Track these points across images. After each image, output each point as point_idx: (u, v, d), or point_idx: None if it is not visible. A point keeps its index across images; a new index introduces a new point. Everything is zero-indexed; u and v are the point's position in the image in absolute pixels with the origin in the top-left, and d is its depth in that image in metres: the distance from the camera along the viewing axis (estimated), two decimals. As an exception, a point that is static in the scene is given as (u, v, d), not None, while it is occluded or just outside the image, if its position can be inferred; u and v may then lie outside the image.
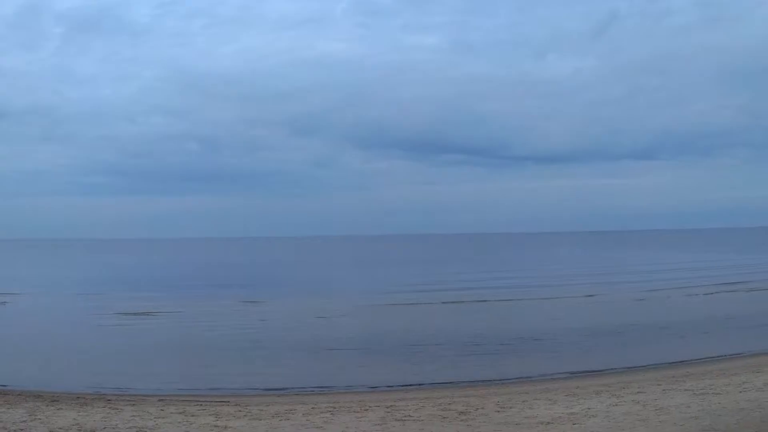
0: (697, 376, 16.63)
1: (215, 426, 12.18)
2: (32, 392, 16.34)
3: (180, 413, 13.36)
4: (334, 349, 24.76)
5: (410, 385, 18.90)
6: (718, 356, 20.65)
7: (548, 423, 12.14)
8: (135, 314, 35.37)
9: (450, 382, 19.02)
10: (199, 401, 15.41)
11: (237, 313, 37.04)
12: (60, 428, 11.60)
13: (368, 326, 30.91)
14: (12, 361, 22.37)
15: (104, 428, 11.73)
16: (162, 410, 13.72)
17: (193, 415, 13.15)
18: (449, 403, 14.73)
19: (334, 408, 14.12)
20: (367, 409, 14.12)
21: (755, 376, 15.37)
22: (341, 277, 67.75)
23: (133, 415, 12.95)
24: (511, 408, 13.90)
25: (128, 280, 63.53)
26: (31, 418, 12.46)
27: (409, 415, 13.28)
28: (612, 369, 19.90)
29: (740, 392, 13.32)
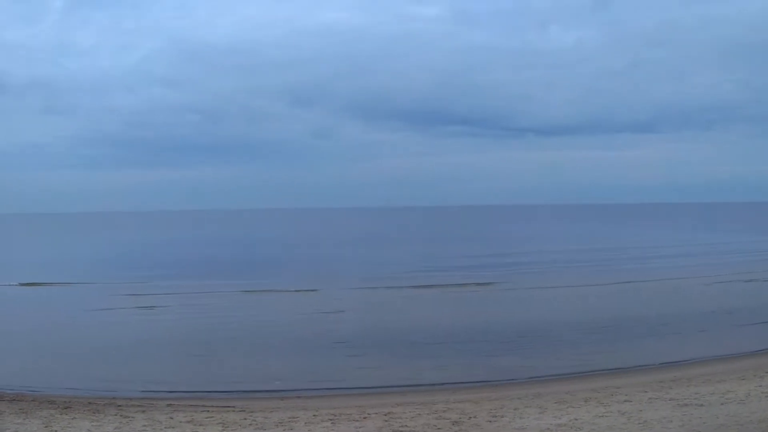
0: (684, 381, 17.21)
1: (223, 438, 12.84)
2: (45, 397, 17.00)
3: (188, 422, 14.01)
4: (335, 346, 25.26)
5: (409, 386, 19.57)
6: (708, 358, 21.19)
7: (536, 437, 12.75)
8: (137, 307, 35.69)
9: (446, 383, 19.68)
10: (206, 407, 16.07)
11: (237, 304, 37.46)
12: None
13: (368, 320, 31.41)
14: (18, 358, 23.01)
15: (118, 440, 12.40)
16: (171, 418, 14.39)
17: (201, 425, 13.80)
18: (444, 411, 15.36)
19: (335, 416, 14.74)
20: (366, 417, 14.76)
21: (739, 384, 15.93)
22: (341, 258, 68.29)
23: (144, 426, 13.60)
24: (502, 417, 14.50)
25: (128, 263, 63.82)
26: (47, 431, 13.06)
27: (406, 425, 13.90)
28: (604, 370, 20.52)
29: (722, 404, 13.88)
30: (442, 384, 19.68)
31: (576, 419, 13.86)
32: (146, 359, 23.47)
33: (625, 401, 15.30)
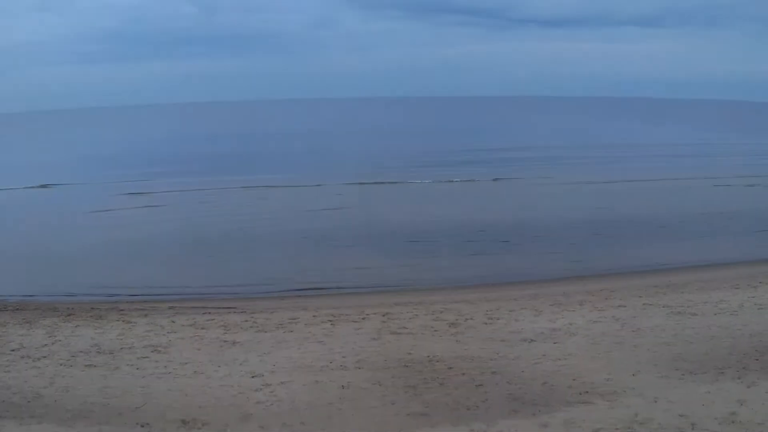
0: (678, 288, 17.43)
1: (224, 341, 13.09)
2: (48, 305, 17.08)
3: (191, 325, 14.27)
4: (335, 245, 25.30)
5: (408, 286, 19.86)
6: (704, 264, 21.36)
7: (531, 341, 13.00)
8: (139, 207, 35.24)
9: (444, 284, 19.97)
10: (207, 309, 16.31)
11: (238, 201, 37.34)
12: (80, 351, 12.48)
13: (369, 217, 31.35)
14: (19, 266, 22.98)
15: (121, 348, 12.64)
16: (173, 322, 14.64)
17: (203, 328, 14.07)
18: (441, 312, 15.63)
19: (334, 317, 15.01)
20: (364, 318, 15.04)
21: (733, 293, 16.13)
22: (343, 151, 67.81)
23: (147, 331, 13.86)
24: (498, 319, 14.79)
25: (128, 161, 62.50)
26: (51, 341, 13.25)
27: (404, 327, 14.18)
28: (600, 273, 20.77)
29: (715, 314, 14.10)
30: (441, 285, 19.93)
31: (571, 323, 14.12)
32: (147, 261, 23.50)
33: (620, 306, 15.54)
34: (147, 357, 12.13)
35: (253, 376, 11.15)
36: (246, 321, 14.84)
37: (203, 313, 15.81)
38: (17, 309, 16.59)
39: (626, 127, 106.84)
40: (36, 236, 28.26)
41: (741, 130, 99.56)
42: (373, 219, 30.53)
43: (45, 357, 12.20)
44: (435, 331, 13.87)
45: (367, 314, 15.47)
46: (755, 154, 57.79)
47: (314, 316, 15.36)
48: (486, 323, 14.48)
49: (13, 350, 12.65)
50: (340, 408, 9.90)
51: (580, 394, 10.17)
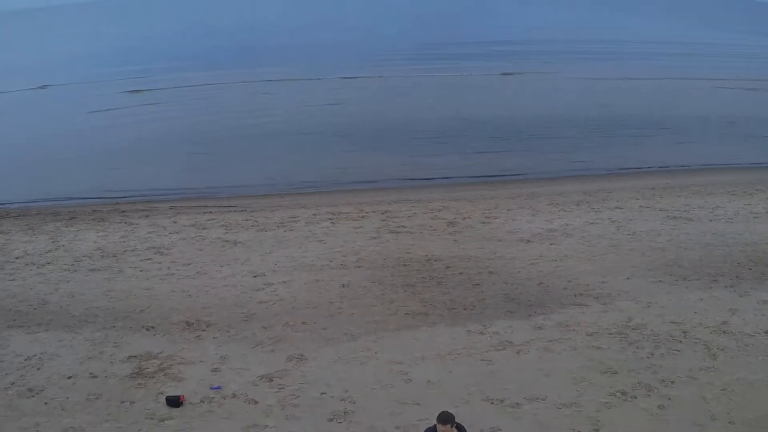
0: (675, 191, 17.47)
1: (226, 241, 13.19)
2: (50, 209, 16.92)
3: (192, 225, 14.31)
4: (335, 140, 24.91)
5: (407, 181, 19.86)
6: (703, 167, 21.29)
7: (528, 241, 13.15)
8: (138, 106, 34.10)
9: (445, 182, 19.94)
10: (208, 208, 16.29)
11: (238, 97, 36.37)
12: (84, 256, 12.55)
13: (368, 112, 30.67)
14: (20, 171, 22.54)
15: (124, 251, 12.71)
16: (175, 222, 14.65)
17: (204, 228, 14.12)
18: (440, 210, 15.71)
19: (334, 215, 15.06)
20: (364, 216, 15.10)
21: (729, 200, 16.21)
22: (342, 44, 65.69)
23: (150, 232, 13.89)
24: (496, 218, 14.88)
25: (129, 57, 60.34)
26: (55, 246, 13.29)
27: (402, 226, 14.27)
28: (598, 173, 20.75)
29: (710, 221, 14.20)
30: (440, 183, 19.90)
31: (567, 224, 14.23)
32: (148, 161, 23.06)
33: (616, 208, 15.63)
34: (150, 259, 12.25)
35: (255, 276, 11.31)
36: (247, 220, 14.89)
37: (204, 212, 15.82)
38: (20, 215, 16.51)
39: (631, 22, 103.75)
40: (37, 140, 27.72)
41: (751, 31, 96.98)
42: (374, 115, 30.00)
43: (49, 263, 12.29)
44: (433, 230, 13.97)
45: (366, 213, 15.53)
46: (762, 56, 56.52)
47: (314, 214, 15.42)
48: (484, 222, 14.58)
49: (17, 258, 12.71)
50: (341, 307, 10.10)
51: (575, 296, 10.39)
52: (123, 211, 16.49)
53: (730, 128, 27.49)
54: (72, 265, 12.14)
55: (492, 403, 7.46)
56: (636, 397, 7.44)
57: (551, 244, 12.92)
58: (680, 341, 8.66)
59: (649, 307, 9.85)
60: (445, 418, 5.22)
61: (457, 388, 7.77)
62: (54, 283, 11.22)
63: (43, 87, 42.27)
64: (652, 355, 8.31)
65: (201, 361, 8.44)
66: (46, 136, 28.33)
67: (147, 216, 15.78)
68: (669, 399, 7.37)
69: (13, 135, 29.12)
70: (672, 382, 7.67)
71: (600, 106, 31.73)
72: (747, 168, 21.07)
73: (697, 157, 22.74)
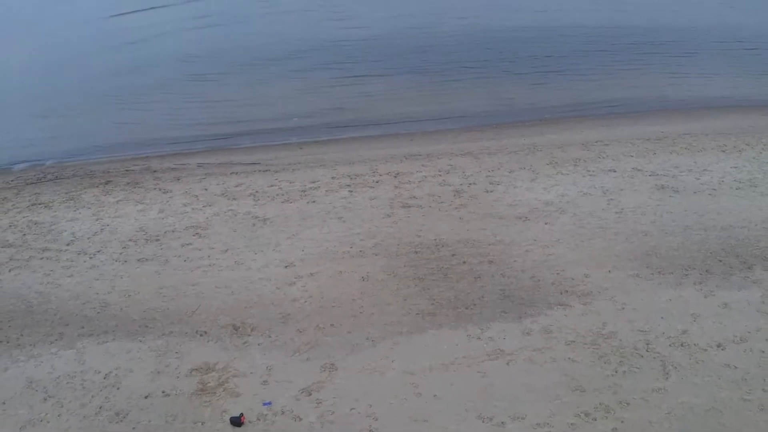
0: (668, 146, 18.70)
1: (256, 218, 14.81)
2: (84, 168, 18.16)
3: (222, 195, 15.87)
4: (349, 68, 25.46)
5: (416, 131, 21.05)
6: (701, 106, 22.14)
7: (525, 219, 14.73)
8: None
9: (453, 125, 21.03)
10: (233, 166, 17.73)
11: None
12: (130, 240, 14.17)
13: (382, 35, 30.45)
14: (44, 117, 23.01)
15: (165, 233, 14.34)
16: (206, 189, 16.18)
17: (234, 198, 15.67)
18: (447, 171, 17.16)
19: (351, 180, 16.59)
20: (378, 182, 16.61)
21: (717, 159, 17.46)
22: None
23: (184, 204, 15.46)
24: (498, 184, 16.38)
25: None
26: (100, 228, 14.78)
27: (413, 196, 15.82)
28: (598, 113, 21.77)
29: (695, 192, 15.56)
30: (446, 127, 21.03)
31: (563, 195, 15.73)
32: (167, 98, 23.49)
33: (610, 170, 17.03)
34: (190, 243, 13.92)
35: (286, 266, 13.04)
36: (272, 186, 16.43)
37: (230, 174, 17.32)
38: (57, 178, 17.93)
39: None
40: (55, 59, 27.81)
41: None
42: (386, 37, 30.02)
43: (99, 252, 13.83)
44: (441, 202, 15.51)
45: (380, 175, 17.02)
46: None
47: (333, 177, 16.93)
48: (487, 191, 16.07)
49: (68, 244, 14.21)
50: (362, 305, 11.90)
51: (561, 293, 12.11)
52: (154, 171, 18.00)
53: (743, 54, 27.53)
54: (121, 253, 13.73)
55: (483, 422, 9.38)
56: (596, 419, 9.32)
57: (546, 224, 14.48)
58: (642, 356, 10.46)
59: (623, 310, 11.57)
60: None
61: (457, 404, 9.68)
62: (109, 279, 12.82)
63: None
64: (616, 372, 10.14)
65: (251, 373, 10.35)
66: (64, 52, 28.23)
67: (178, 180, 17.31)
68: (622, 422, 9.25)
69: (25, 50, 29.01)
70: (627, 404, 9.52)
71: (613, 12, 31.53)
72: (745, 108, 21.91)
73: (699, 89, 23.36)
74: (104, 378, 10.38)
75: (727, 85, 24.01)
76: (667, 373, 10.10)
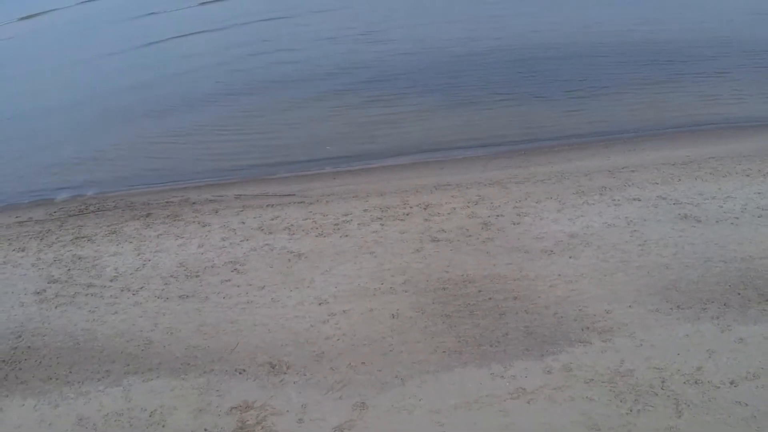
0: (694, 168, 18.99)
1: (291, 253, 15.58)
2: (124, 200, 18.94)
3: (259, 228, 16.67)
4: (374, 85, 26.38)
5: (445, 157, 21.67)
6: (726, 125, 22.33)
7: (550, 252, 15.25)
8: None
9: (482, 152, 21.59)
10: (268, 198, 18.55)
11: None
12: (171, 276, 14.95)
13: (408, 48, 31.40)
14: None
15: (205, 268, 15.17)
16: (243, 223, 17.01)
17: (270, 233, 16.48)
18: (476, 203, 17.74)
19: (383, 212, 17.28)
20: (408, 214, 17.29)
21: (742, 185, 17.65)
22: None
23: (223, 239, 16.30)
24: (526, 216, 16.91)
25: None
26: (142, 263, 15.51)
27: (442, 229, 16.45)
28: (622, 136, 22.09)
29: (717, 222, 15.84)
30: (475, 154, 21.58)
31: (588, 226, 16.19)
32: (203, 112, 24.70)
33: (635, 200, 17.39)
34: (229, 280, 14.75)
35: (320, 304, 13.79)
36: (306, 219, 17.21)
37: (266, 206, 18.18)
38: (99, 210, 18.86)
39: None
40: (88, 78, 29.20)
41: None
42: (413, 50, 30.82)
43: (142, 288, 14.61)
44: (469, 236, 16.11)
45: (411, 207, 17.70)
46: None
47: (365, 210, 17.66)
48: (514, 223, 16.62)
49: (111, 280, 15.02)
50: (392, 343, 12.58)
51: (582, 330, 12.62)
52: (193, 203, 18.91)
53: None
54: (163, 290, 14.51)
55: (505, 462, 10.04)
56: (612, 461, 9.92)
57: (570, 257, 14.97)
58: (657, 394, 10.93)
59: (641, 346, 12.03)
60: None
61: (480, 444, 10.34)
62: (152, 317, 13.58)
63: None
64: (630, 411, 10.63)
65: (287, 411, 11.11)
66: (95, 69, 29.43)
67: (217, 212, 18.18)
68: (636, 463, 9.83)
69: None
70: (642, 445, 10.08)
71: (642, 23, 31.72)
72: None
73: (727, 107, 23.53)
74: (150, 416, 11.18)
75: (757, 103, 24.03)
76: (680, 412, 10.56)
